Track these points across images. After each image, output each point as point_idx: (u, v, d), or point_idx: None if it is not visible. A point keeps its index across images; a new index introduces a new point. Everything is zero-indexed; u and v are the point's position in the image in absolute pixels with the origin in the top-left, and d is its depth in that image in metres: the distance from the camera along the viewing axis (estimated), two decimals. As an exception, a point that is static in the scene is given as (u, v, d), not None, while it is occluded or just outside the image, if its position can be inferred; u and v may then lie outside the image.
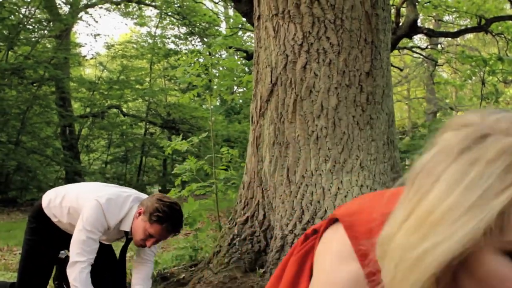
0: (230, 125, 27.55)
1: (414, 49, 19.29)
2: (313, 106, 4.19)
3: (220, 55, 20.31)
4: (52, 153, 22.63)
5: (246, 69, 18.34)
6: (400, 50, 19.85)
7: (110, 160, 28.46)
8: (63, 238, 3.92)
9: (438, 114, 25.74)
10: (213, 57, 6.34)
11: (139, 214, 3.61)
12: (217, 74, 7.00)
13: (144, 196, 3.86)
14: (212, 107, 7.64)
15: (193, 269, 4.84)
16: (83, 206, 3.62)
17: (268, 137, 4.42)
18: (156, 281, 4.69)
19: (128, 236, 3.79)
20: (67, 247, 3.98)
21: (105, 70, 27.77)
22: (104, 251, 3.93)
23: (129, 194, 3.77)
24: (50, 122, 23.05)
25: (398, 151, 4.60)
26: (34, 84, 21.21)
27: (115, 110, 27.23)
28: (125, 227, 3.68)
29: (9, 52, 19.86)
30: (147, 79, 28.36)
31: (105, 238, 3.79)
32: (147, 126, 29.56)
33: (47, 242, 3.91)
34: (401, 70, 22.31)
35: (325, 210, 4.08)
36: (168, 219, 3.57)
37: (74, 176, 21.37)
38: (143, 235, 3.61)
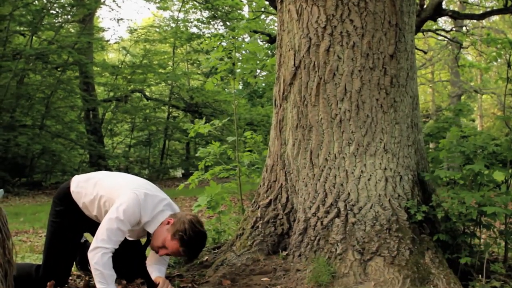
0: (253, 108, 27.58)
1: (438, 32, 19.10)
2: (336, 89, 4.18)
3: (243, 38, 20.26)
4: (76, 137, 22.84)
5: (270, 52, 18.29)
6: (425, 33, 19.69)
7: (134, 144, 28.67)
8: (89, 223, 3.95)
9: (462, 97, 25.52)
10: (236, 41, 6.31)
11: (168, 223, 3.64)
12: (240, 58, 6.99)
13: (176, 206, 3.88)
14: (235, 90, 7.63)
15: (216, 251, 4.87)
16: (118, 196, 3.64)
17: (291, 120, 4.41)
18: (180, 263, 4.73)
19: (149, 237, 3.81)
20: (91, 231, 4.01)
21: (128, 55, 27.88)
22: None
23: (164, 197, 3.80)
24: (74, 107, 23.24)
25: (422, 134, 4.57)
26: (58, 69, 21.37)
27: (138, 94, 27.39)
28: (150, 228, 3.71)
29: (33, 38, 20.01)
30: (170, 63, 28.42)
31: (129, 234, 3.81)
32: (170, 110, 29.69)
33: (72, 225, 3.94)
34: (425, 53, 22.14)
35: (348, 193, 4.07)
36: (189, 244, 3.62)
37: (98, 159, 21.56)
38: (160, 243, 3.67)
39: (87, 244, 4.24)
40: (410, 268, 3.71)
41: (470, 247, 4.15)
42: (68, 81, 21.75)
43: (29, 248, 6.36)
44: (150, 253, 4.04)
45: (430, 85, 32.01)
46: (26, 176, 20.20)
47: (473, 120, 37.46)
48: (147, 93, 28.79)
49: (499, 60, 4.91)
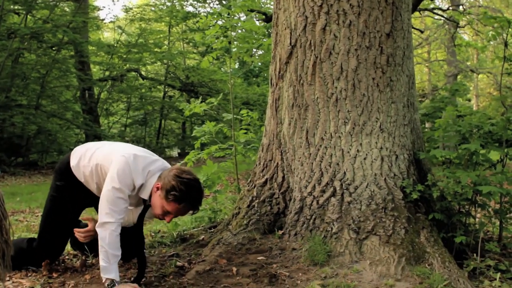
0: (249, 88, 27.54)
1: (435, 11, 19.03)
2: (332, 68, 4.16)
3: (239, 17, 20.15)
4: (72, 117, 22.80)
5: (266, 31, 18.21)
6: (421, 12, 19.60)
7: (130, 123, 28.66)
8: (90, 198, 3.92)
9: (459, 77, 25.49)
10: (232, 19, 6.26)
11: (157, 189, 3.56)
12: (236, 37, 6.96)
13: (168, 165, 3.79)
14: (231, 69, 7.60)
15: (212, 230, 4.89)
16: (111, 162, 3.60)
17: (287, 99, 4.41)
18: (176, 242, 4.75)
19: (146, 204, 3.76)
20: (93, 206, 4.00)
21: (124, 34, 27.76)
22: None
23: (156, 159, 3.73)
24: (69, 86, 23.18)
25: (418, 114, 4.57)
26: (53, 48, 21.27)
27: (134, 73, 27.33)
28: (144, 194, 3.66)
29: (28, 16, 19.88)
30: (166, 42, 28.34)
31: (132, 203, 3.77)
32: (166, 89, 29.66)
33: (72, 201, 3.89)
34: (422, 32, 22.07)
35: (344, 172, 4.08)
36: (185, 198, 3.53)
37: (93, 139, 21.49)
38: (161, 211, 3.60)
39: (81, 224, 4.23)
40: (405, 247, 3.73)
41: (465, 226, 4.17)
42: (64, 61, 21.65)
43: (26, 228, 6.37)
44: None
45: (427, 64, 31.97)
46: (22, 156, 20.21)
47: (469, 100, 37.48)
48: (142, 73, 28.72)
49: (496, 39, 4.90)
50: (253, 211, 4.39)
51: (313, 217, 4.05)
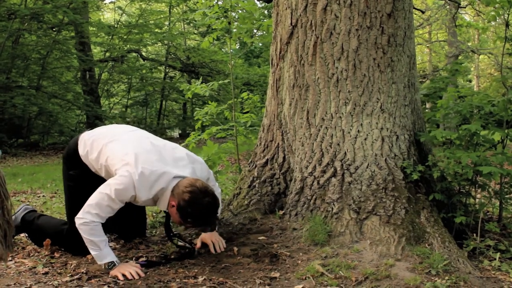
0: (250, 68, 27.47)
1: (437, -9, 18.90)
2: (333, 48, 4.15)
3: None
4: (73, 98, 22.81)
5: (266, 12, 18.14)
6: (423, -8, 19.47)
7: (130, 104, 28.65)
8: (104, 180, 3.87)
9: (459, 57, 25.39)
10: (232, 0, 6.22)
11: (173, 206, 3.52)
12: (236, 17, 6.93)
13: (182, 172, 3.64)
14: (231, 50, 7.58)
15: (213, 211, 4.90)
16: (116, 170, 3.53)
17: (288, 79, 4.40)
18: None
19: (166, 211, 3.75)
20: None
21: (124, 14, 27.64)
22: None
23: (164, 171, 3.54)
24: (70, 67, 23.15)
25: (419, 94, 4.57)
26: (54, 29, 21.22)
27: (134, 54, 27.26)
28: (162, 206, 3.64)
29: (28, -4, 19.82)
30: (166, 23, 28.21)
31: (141, 204, 3.71)
32: (167, 70, 29.60)
33: (89, 184, 3.79)
34: (423, 12, 21.92)
35: (345, 153, 4.09)
36: (202, 223, 3.59)
37: (94, 120, 21.53)
38: (180, 223, 3.62)
39: None
40: (405, 227, 3.74)
41: (465, 207, 4.18)
42: (64, 41, 21.61)
43: (27, 208, 6.38)
44: None
45: (427, 45, 31.78)
46: (24, 137, 20.23)
47: (470, 81, 37.38)
48: (143, 53, 28.64)
49: (497, 19, 4.88)
50: (254, 191, 4.40)
51: (314, 197, 4.06)
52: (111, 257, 3.53)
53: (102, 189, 3.49)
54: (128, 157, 3.54)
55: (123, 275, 3.42)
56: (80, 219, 3.47)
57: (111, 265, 3.51)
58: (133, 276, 3.41)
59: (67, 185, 4.01)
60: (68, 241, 3.98)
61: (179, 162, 3.72)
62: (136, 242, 4.26)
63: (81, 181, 3.90)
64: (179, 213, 3.49)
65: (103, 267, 3.55)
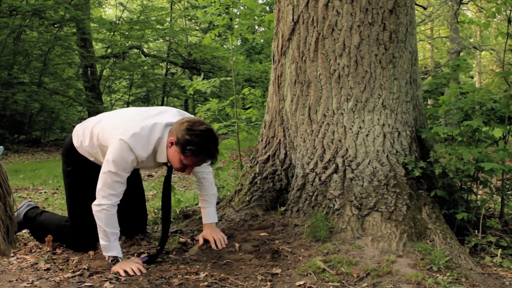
0: (251, 64, 27.44)
1: (438, -13, 18.87)
2: (335, 45, 4.15)
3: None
4: (74, 94, 22.82)
5: (267, 8, 18.10)
6: (425, -12, 19.45)
7: (132, 101, 28.63)
8: None
9: (461, 54, 25.36)
10: (233, -4, 6.22)
11: (171, 143, 3.52)
12: (238, 14, 6.92)
13: (171, 119, 3.68)
14: (233, 47, 7.57)
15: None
16: (110, 144, 3.53)
17: (290, 76, 4.40)
18: (179, 219, 4.77)
19: (168, 165, 3.74)
20: None
21: (126, 10, 27.63)
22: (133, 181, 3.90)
23: (155, 122, 3.58)
24: (71, 63, 23.16)
25: (420, 90, 4.56)
26: (55, 25, 21.22)
27: (136, 50, 27.24)
28: (161, 158, 3.63)
29: (30, -7, 19.81)
30: (168, 19, 28.19)
31: (143, 167, 3.75)
32: (168, 67, 29.59)
33: (88, 179, 3.81)
34: (425, 8, 21.91)
35: (347, 149, 4.09)
36: (202, 150, 3.50)
37: (96, 116, 21.48)
38: (179, 165, 3.57)
39: None
40: (407, 223, 3.74)
41: (466, 203, 4.19)
42: (65, 38, 21.60)
43: (29, 205, 6.39)
44: (199, 197, 4.12)
45: (429, 41, 31.74)
46: (25, 133, 20.26)
47: (472, 77, 37.35)
48: (145, 50, 28.64)
49: (499, 16, 4.87)
50: (256, 187, 4.40)
51: (315, 193, 4.06)
52: (117, 252, 3.54)
53: (103, 169, 3.49)
54: (116, 127, 3.59)
55: (125, 271, 3.42)
56: (97, 206, 3.49)
57: (114, 260, 3.51)
58: (134, 272, 3.41)
59: (66, 182, 4.02)
60: (69, 237, 3.99)
61: (166, 112, 3.78)
62: (137, 238, 4.26)
63: (79, 176, 3.91)
64: (179, 147, 3.48)
65: (106, 261, 3.56)
